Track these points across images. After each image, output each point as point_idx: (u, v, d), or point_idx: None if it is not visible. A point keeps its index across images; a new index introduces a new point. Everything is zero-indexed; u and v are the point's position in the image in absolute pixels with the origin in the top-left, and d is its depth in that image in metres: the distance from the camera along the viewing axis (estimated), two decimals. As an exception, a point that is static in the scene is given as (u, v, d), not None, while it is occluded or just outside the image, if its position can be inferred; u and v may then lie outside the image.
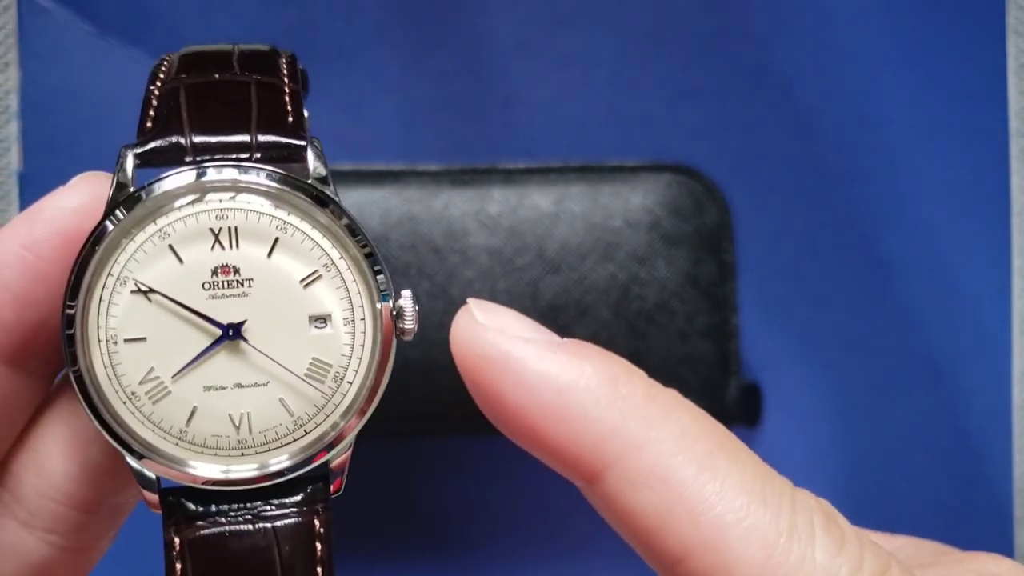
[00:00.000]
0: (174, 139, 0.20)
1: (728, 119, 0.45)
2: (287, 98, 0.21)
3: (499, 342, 0.20)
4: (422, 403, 0.40)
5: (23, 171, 0.45)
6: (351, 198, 0.40)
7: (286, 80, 0.22)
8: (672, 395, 0.23)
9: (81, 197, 0.21)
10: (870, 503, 0.45)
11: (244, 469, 0.20)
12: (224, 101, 0.21)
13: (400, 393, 0.41)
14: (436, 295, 0.40)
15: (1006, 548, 0.45)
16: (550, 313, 0.40)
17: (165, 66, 0.22)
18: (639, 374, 0.22)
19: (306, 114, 0.28)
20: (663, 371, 0.41)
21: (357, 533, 0.46)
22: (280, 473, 0.20)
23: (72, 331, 0.20)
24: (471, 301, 0.21)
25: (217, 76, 0.21)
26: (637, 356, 0.40)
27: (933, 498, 0.45)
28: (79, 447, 0.21)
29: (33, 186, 0.45)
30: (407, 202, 0.41)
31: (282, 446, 0.20)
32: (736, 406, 0.42)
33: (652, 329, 0.41)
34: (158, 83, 0.21)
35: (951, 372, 0.45)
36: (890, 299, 0.45)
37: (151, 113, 0.21)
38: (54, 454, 0.21)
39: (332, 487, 0.21)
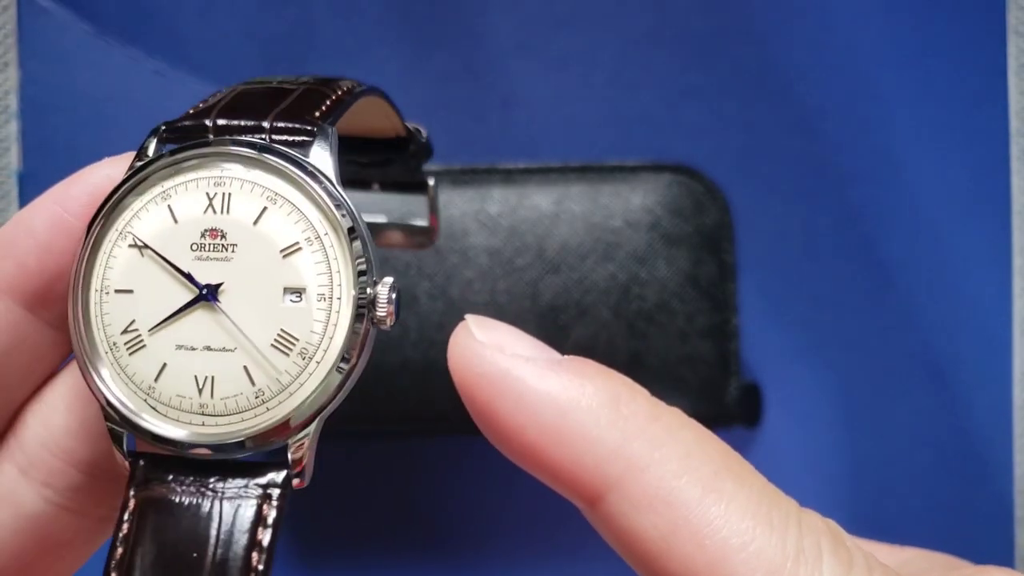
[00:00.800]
0: (200, 121, 0.21)
1: (728, 119, 0.45)
2: (328, 101, 0.22)
3: (498, 360, 0.20)
4: (422, 403, 0.40)
5: (23, 171, 0.45)
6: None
7: (339, 92, 0.22)
8: (675, 414, 0.22)
9: (123, 169, 0.22)
10: (870, 503, 0.45)
11: (200, 438, 0.20)
12: (264, 98, 0.22)
13: (400, 393, 0.41)
14: (436, 295, 0.40)
15: (1007, 548, 0.45)
16: (550, 313, 0.40)
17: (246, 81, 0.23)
18: (642, 393, 0.22)
19: (431, 182, 0.28)
20: (663, 371, 0.41)
21: (357, 533, 0.46)
22: (235, 447, 0.20)
23: (78, 279, 0.20)
24: (469, 318, 0.21)
25: (275, 84, 0.22)
26: (637, 356, 0.40)
27: (933, 498, 0.45)
28: (80, 403, 0.22)
29: (32, 186, 0.45)
30: (407, 202, 0.41)
31: (243, 420, 0.20)
32: (736, 406, 0.42)
33: (652, 329, 0.40)
34: (227, 88, 0.23)
35: (951, 372, 0.45)
36: (890, 299, 0.45)
37: (201, 104, 0.22)
38: (59, 408, 0.22)
39: (295, 483, 0.20)
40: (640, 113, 0.45)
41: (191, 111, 0.22)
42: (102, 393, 0.20)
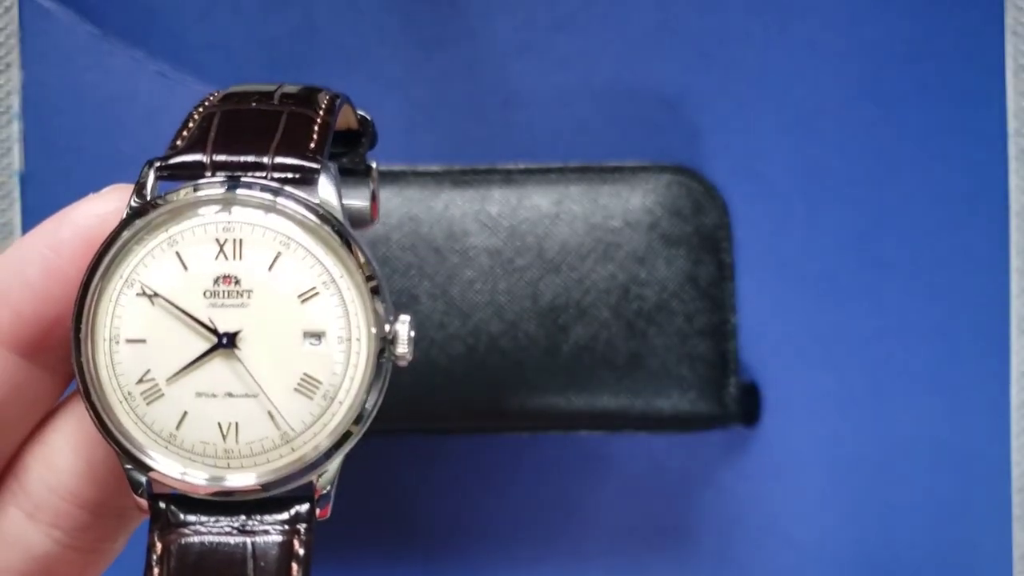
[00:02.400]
0: (196, 156, 0.21)
1: (727, 120, 0.45)
2: (316, 127, 0.22)
3: None
4: (421, 403, 0.40)
5: (24, 172, 0.45)
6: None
7: (320, 112, 0.22)
8: None
9: (108, 205, 0.21)
10: (868, 502, 0.45)
11: (229, 481, 0.20)
12: (253, 126, 0.21)
13: (399, 393, 0.41)
14: (436, 295, 0.40)
15: (1005, 547, 0.45)
16: (550, 313, 0.40)
17: (212, 97, 0.23)
18: None
19: (374, 165, 0.28)
20: (662, 371, 0.41)
21: (355, 533, 0.46)
22: (264, 488, 0.20)
23: (81, 328, 0.20)
24: None
25: (254, 105, 0.22)
26: (636, 356, 0.41)
27: (931, 497, 0.45)
28: (87, 446, 0.22)
29: (35, 186, 0.45)
30: (408, 202, 0.41)
31: (268, 461, 0.20)
32: (735, 406, 0.42)
33: (652, 329, 0.41)
34: (200, 109, 0.22)
35: (949, 371, 0.45)
36: (888, 299, 0.45)
37: (184, 133, 0.22)
38: (64, 450, 0.22)
39: (319, 513, 0.21)
40: (640, 114, 0.45)
41: (179, 143, 0.21)
42: (120, 442, 0.20)
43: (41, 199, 0.45)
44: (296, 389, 0.20)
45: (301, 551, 0.20)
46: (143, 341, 0.20)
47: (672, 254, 0.41)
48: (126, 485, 0.21)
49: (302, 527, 0.20)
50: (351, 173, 0.30)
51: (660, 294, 0.41)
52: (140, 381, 0.20)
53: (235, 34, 0.45)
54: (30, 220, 0.45)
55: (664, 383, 0.41)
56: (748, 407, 0.44)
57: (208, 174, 0.21)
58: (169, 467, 0.20)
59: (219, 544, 0.20)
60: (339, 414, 0.20)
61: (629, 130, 0.45)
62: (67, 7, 0.45)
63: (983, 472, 0.45)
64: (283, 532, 0.20)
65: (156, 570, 0.20)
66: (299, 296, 0.20)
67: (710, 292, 0.41)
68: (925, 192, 0.46)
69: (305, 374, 0.20)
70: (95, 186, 0.46)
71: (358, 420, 0.20)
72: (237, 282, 0.20)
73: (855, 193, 0.45)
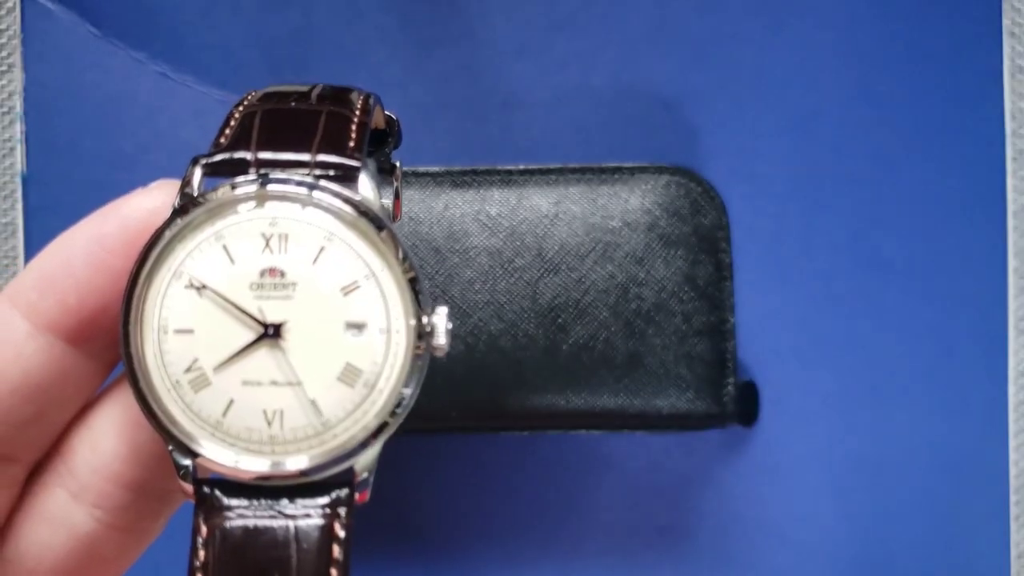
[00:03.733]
0: (241, 154, 0.21)
1: (725, 121, 0.45)
2: (353, 126, 0.22)
3: None
4: (421, 402, 0.40)
5: (27, 172, 0.45)
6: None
7: (357, 112, 0.23)
8: None
9: (155, 200, 0.22)
10: (866, 502, 0.45)
11: (271, 465, 0.21)
12: (294, 125, 0.22)
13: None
14: (436, 295, 0.40)
15: (1003, 547, 0.45)
16: (549, 313, 0.40)
17: (251, 96, 0.23)
18: None
19: (398, 164, 0.28)
20: (661, 370, 0.41)
21: (354, 533, 0.46)
22: (306, 473, 0.21)
23: (129, 318, 0.21)
24: None
25: (293, 104, 0.23)
26: (635, 355, 0.41)
27: (929, 497, 0.45)
28: (131, 429, 0.22)
29: (37, 187, 0.45)
30: (408, 203, 0.41)
31: (311, 447, 0.21)
32: (733, 405, 0.42)
33: (650, 329, 0.41)
34: (241, 107, 0.23)
35: (947, 371, 0.45)
36: (886, 299, 0.45)
37: (227, 131, 0.22)
38: (109, 433, 0.23)
39: (358, 497, 0.21)
40: (639, 115, 0.45)
41: (222, 140, 0.22)
42: (168, 429, 0.21)
43: (43, 200, 0.45)
44: (339, 378, 0.21)
45: (342, 533, 0.21)
46: (191, 331, 0.21)
47: (671, 254, 0.41)
48: (169, 468, 0.22)
49: (342, 510, 0.21)
50: (377, 171, 0.30)
51: (659, 294, 0.41)
52: (188, 370, 0.21)
53: (235, 35, 0.45)
54: (33, 220, 0.45)
55: (663, 383, 0.41)
56: (746, 407, 0.44)
57: (252, 171, 0.21)
58: (216, 453, 0.21)
59: (263, 527, 0.20)
60: (379, 402, 0.21)
61: (628, 131, 0.45)
62: (69, 8, 0.45)
63: (980, 472, 0.45)
64: (324, 516, 0.21)
65: (202, 552, 0.20)
66: (342, 289, 0.21)
67: (708, 292, 0.41)
68: (923, 192, 0.46)
69: (347, 363, 0.21)
70: (97, 186, 0.46)
71: (396, 408, 0.21)
72: (282, 275, 0.21)
73: (853, 193, 0.45)
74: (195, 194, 0.21)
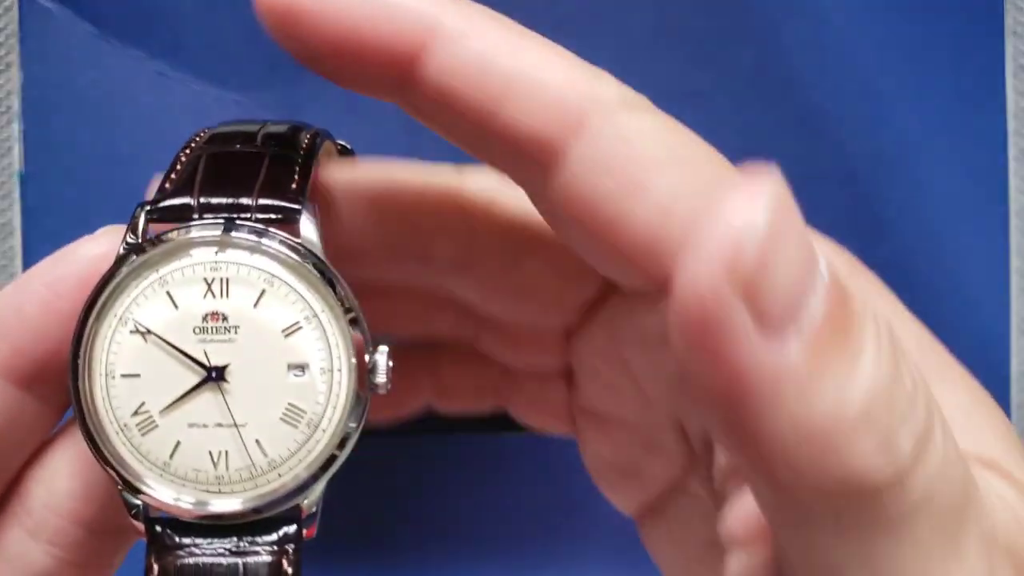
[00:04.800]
0: (184, 200, 0.22)
1: (726, 121, 0.45)
2: (296, 168, 0.23)
3: None
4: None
5: (24, 171, 0.45)
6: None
7: (301, 153, 0.23)
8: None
9: (102, 247, 0.23)
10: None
11: (220, 505, 0.22)
12: (237, 168, 0.23)
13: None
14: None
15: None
16: (550, 313, 0.40)
17: (199, 138, 0.24)
18: None
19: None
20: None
21: (354, 533, 0.46)
22: (252, 512, 0.22)
23: (77, 363, 0.22)
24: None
25: (238, 147, 0.23)
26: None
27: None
28: (85, 469, 0.23)
29: (34, 186, 0.45)
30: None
31: (256, 486, 0.22)
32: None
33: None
34: (187, 151, 0.23)
35: (950, 372, 0.45)
36: (889, 299, 0.45)
37: (172, 176, 0.23)
38: (63, 473, 0.23)
39: (305, 533, 0.22)
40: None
41: (167, 185, 0.22)
42: (117, 470, 0.22)
43: (41, 199, 0.45)
44: (282, 418, 0.22)
45: (289, 570, 0.22)
46: (137, 375, 0.22)
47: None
48: (123, 506, 0.23)
49: (290, 547, 0.22)
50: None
51: (660, 294, 0.41)
52: (135, 413, 0.22)
53: (234, 34, 0.45)
54: (30, 220, 0.45)
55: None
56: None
57: (196, 216, 0.22)
58: (163, 493, 0.22)
59: (212, 565, 0.21)
60: (323, 441, 0.22)
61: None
62: (66, 7, 0.45)
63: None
64: (272, 552, 0.22)
65: None
66: (283, 331, 0.22)
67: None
68: (924, 192, 0.46)
69: (290, 404, 0.22)
70: (95, 185, 0.46)
71: (341, 445, 0.22)
72: (224, 319, 0.21)
73: (853, 194, 0.45)
74: (140, 240, 0.22)
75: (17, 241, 0.45)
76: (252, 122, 0.24)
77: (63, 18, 0.45)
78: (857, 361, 0.17)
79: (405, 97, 0.22)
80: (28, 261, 0.45)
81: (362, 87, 0.22)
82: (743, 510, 0.23)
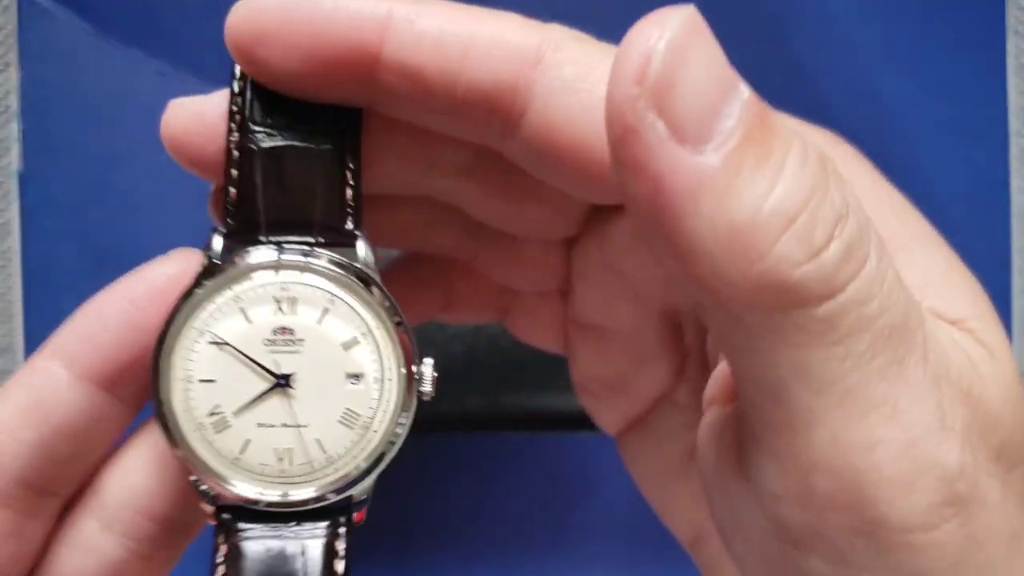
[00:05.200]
0: (252, 222, 0.25)
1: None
2: (349, 195, 0.25)
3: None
4: (420, 403, 0.40)
5: (23, 171, 0.45)
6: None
7: (350, 178, 0.25)
8: None
9: (176, 267, 0.25)
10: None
11: (281, 495, 0.25)
12: (300, 193, 0.25)
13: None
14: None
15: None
16: (550, 313, 0.40)
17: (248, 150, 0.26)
18: None
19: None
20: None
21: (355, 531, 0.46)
22: (313, 500, 0.25)
23: (159, 369, 0.24)
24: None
25: (293, 164, 0.25)
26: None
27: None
28: (158, 467, 0.26)
29: (33, 185, 0.45)
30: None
31: (315, 479, 0.25)
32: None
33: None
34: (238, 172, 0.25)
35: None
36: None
37: (232, 190, 0.25)
38: (138, 471, 0.26)
39: (356, 517, 0.25)
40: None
41: (232, 200, 0.25)
42: (192, 464, 0.25)
43: (40, 198, 0.45)
44: (339, 420, 0.25)
45: (342, 550, 0.25)
46: (213, 381, 0.24)
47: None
48: (193, 501, 0.25)
49: (342, 530, 0.25)
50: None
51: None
52: (211, 414, 0.24)
53: (234, 33, 0.45)
54: (29, 219, 0.45)
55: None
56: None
57: (263, 237, 0.25)
58: (234, 484, 0.25)
59: (274, 546, 0.25)
60: (374, 441, 0.25)
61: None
62: (65, 6, 0.45)
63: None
64: (327, 536, 0.25)
65: (220, 569, 0.24)
66: (342, 344, 0.25)
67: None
68: (926, 192, 0.46)
69: (347, 408, 0.25)
70: (94, 184, 0.46)
71: (390, 445, 0.25)
72: (291, 333, 0.25)
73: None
74: (217, 260, 0.25)
75: (16, 240, 0.45)
76: (294, 140, 0.26)
77: (62, 18, 0.45)
78: (778, 172, 0.18)
79: (373, 90, 0.24)
80: (27, 260, 0.45)
81: (335, 92, 0.24)
82: (719, 375, 0.25)
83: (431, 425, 0.41)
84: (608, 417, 0.32)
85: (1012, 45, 0.46)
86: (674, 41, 0.19)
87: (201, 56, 0.45)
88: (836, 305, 0.18)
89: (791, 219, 0.18)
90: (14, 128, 0.45)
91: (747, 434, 0.22)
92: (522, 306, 0.31)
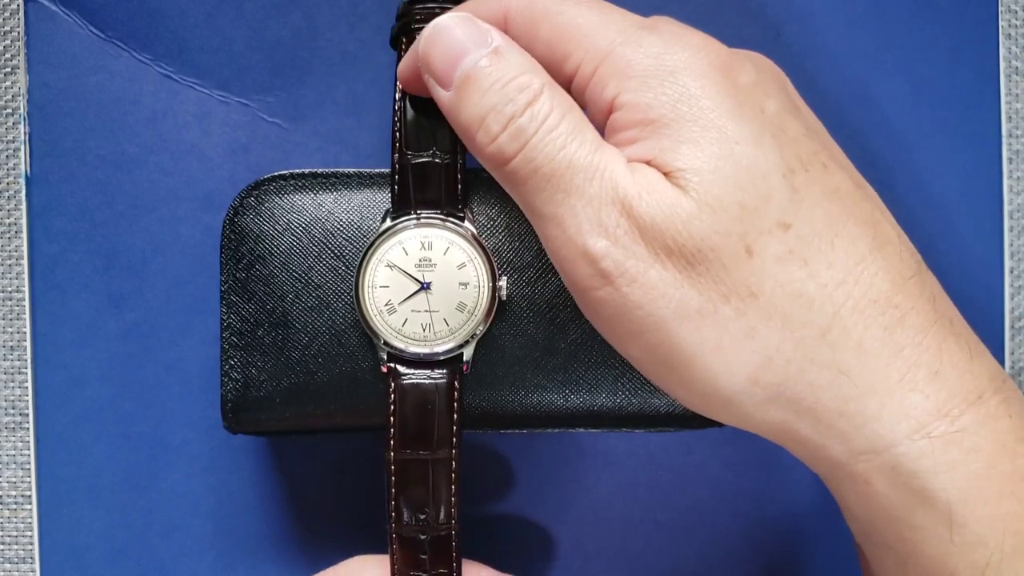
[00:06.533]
0: (410, 211, 0.40)
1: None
2: (459, 188, 0.40)
3: None
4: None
5: (30, 174, 0.46)
6: (355, 200, 0.40)
7: (460, 179, 0.40)
8: None
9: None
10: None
11: (427, 351, 0.39)
12: (432, 187, 0.40)
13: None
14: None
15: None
16: (549, 312, 0.40)
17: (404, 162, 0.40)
18: None
19: None
20: (660, 370, 0.41)
21: (354, 533, 0.46)
22: (443, 353, 0.39)
23: (359, 281, 0.39)
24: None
25: (424, 161, 0.40)
26: (634, 355, 0.41)
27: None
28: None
29: (41, 189, 0.46)
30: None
31: (446, 342, 0.39)
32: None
33: (649, 329, 0.41)
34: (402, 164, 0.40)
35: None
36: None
37: (398, 191, 0.40)
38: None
39: (464, 367, 0.39)
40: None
41: (396, 189, 0.40)
42: (376, 332, 0.39)
43: (47, 201, 0.46)
44: (456, 308, 0.39)
45: (457, 385, 0.39)
46: (387, 286, 0.39)
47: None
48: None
49: (457, 375, 0.39)
50: None
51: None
52: (386, 305, 0.39)
53: (238, 37, 0.45)
54: (37, 222, 0.46)
55: (661, 382, 0.41)
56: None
57: (413, 213, 0.40)
58: (400, 344, 0.39)
59: (421, 383, 0.39)
60: (474, 320, 0.39)
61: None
62: (72, 10, 0.46)
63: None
64: (448, 376, 0.39)
65: (392, 396, 0.39)
66: (457, 266, 0.39)
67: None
68: (919, 194, 0.47)
69: (460, 301, 0.39)
70: (101, 187, 0.46)
71: (482, 325, 0.39)
72: (430, 261, 0.39)
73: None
74: (389, 223, 0.40)
75: (24, 242, 0.46)
76: (427, 156, 0.40)
77: (69, 22, 0.46)
78: (474, 100, 0.33)
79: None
80: (34, 261, 0.46)
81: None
82: None
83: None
84: None
85: (1004, 49, 0.47)
86: (434, 29, 0.34)
87: (207, 61, 0.46)
88: (512, 166, 0.33)
89: (480, 122, 0.33)
90: (21, 131, 0.46)
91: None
92: None
